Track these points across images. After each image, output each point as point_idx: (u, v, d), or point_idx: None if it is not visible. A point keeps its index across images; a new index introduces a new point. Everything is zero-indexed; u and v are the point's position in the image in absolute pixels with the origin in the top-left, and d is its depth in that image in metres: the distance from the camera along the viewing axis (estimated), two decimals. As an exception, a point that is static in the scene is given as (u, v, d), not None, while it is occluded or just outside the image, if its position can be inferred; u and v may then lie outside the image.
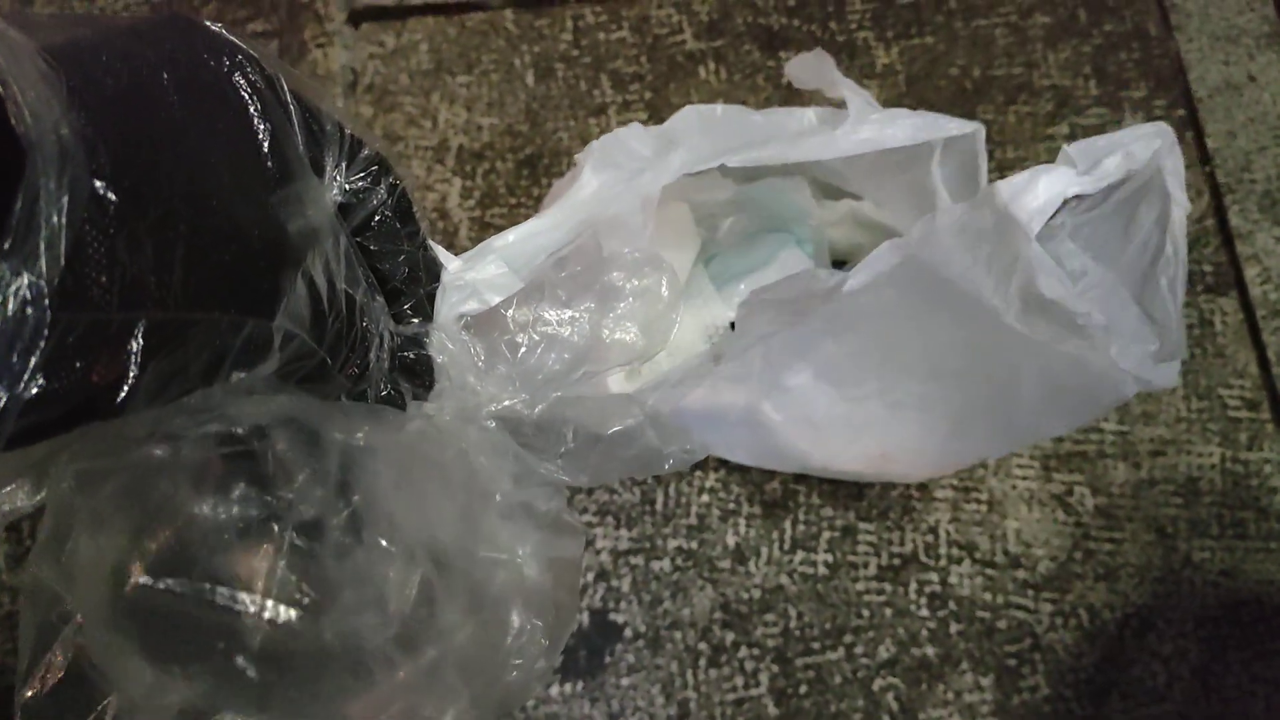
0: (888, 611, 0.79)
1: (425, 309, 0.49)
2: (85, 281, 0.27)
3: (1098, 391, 0.58)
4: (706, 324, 0.73)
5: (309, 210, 0.39)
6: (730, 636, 0.79)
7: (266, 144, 0.37)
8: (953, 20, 0.95)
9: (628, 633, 0.79)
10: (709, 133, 0.60)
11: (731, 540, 0.81)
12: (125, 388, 0.29)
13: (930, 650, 0.78)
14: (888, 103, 0.91)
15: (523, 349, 0.52)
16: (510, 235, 0.53)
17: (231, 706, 0.34)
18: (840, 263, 0.78)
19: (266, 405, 0.37)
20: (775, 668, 0.78)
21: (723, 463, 0.82)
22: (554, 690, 0.77)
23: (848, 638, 0.78)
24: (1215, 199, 0.90)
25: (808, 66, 0.60)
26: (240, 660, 0.34)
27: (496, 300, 0.51)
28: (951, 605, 0.79)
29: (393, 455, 0.41)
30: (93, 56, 0.31)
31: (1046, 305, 0.53)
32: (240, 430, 0.35)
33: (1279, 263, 0.87)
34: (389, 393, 0.47)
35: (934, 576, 0.79)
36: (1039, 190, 0.50)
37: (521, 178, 0.91)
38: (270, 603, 0.34)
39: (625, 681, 0.78)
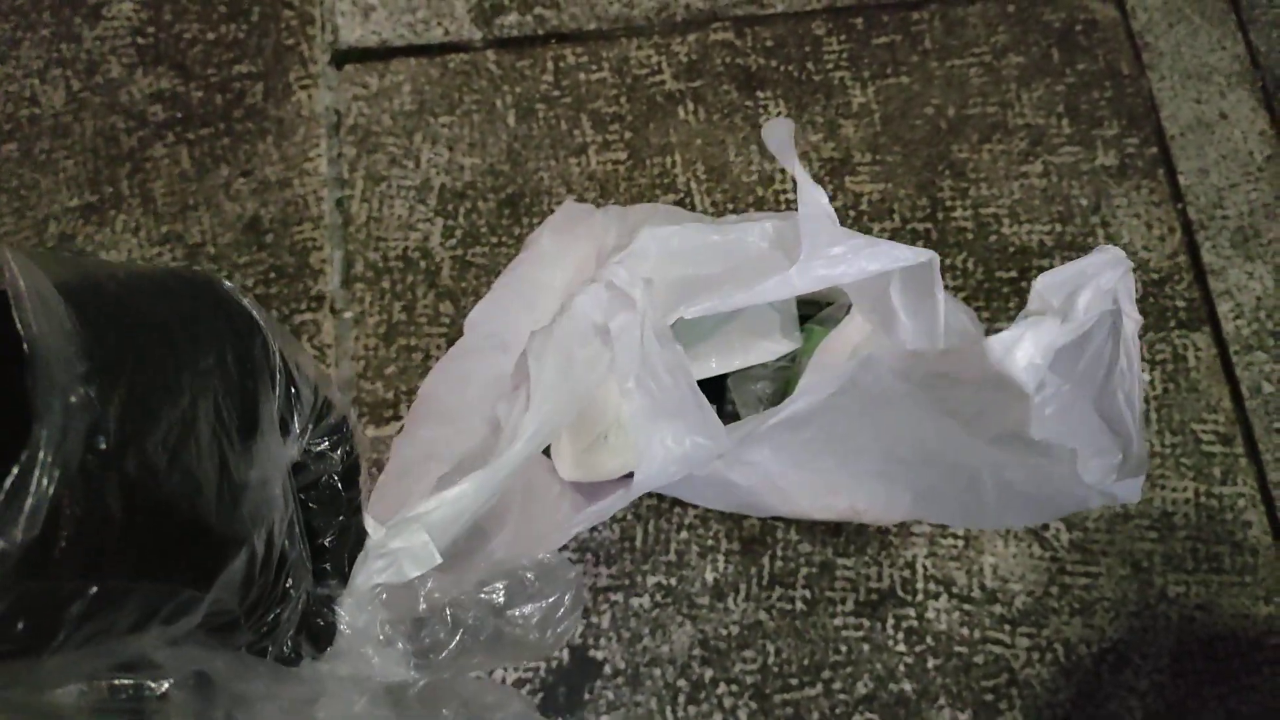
0: (865, 647, 0.79)
1: (344, 571, 0.49)
2: (51, 549, 0.28)
3: (1059, 500, 0.60)
4: None
5: (267, 471, 0.39)
6: (709, 673, 0.79)
7: (245, 403, 0.38)
8: (928, 60, 0.97)
9: (607, 669, 0.79)
10: (665, 265, 0.60)
11: (710, 577, 0.81)
12: (55, 642, 0.30)
13: (908, 686, 0.78)
14: (864, 141, 0.93)
15: (426, 629, 0.53)
16: (434, 502, 0.52)
17: None
18: (812, 305, 0.79)
19: (174, 653, 0.37)
20: (754, 704, 0.78)
21: (701, 499, 0.83)
22: (533, 728, 0.77)
23: (826, 674, 0.78)
24: (1187, 235, 0.91)
25: (774, 133, 0.60)
26: None
27: (414, 574, 0.51)
28: (929, 640, 0.79)
29: (275, 715, 0.41)
30: (115, 310, 0.32)
31: (1023, 439, 0.54)
32: (145, 677, 0.36)
33: (1251, 298, 0.89)
34: (287, 651, 0.47)
35: (911, 612, 0.80)
36: (1028, 347, 0.52)
37: (503, 217, 0.92)
38: None
39: (605, 719, 0.78)
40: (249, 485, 0.38)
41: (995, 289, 0.89)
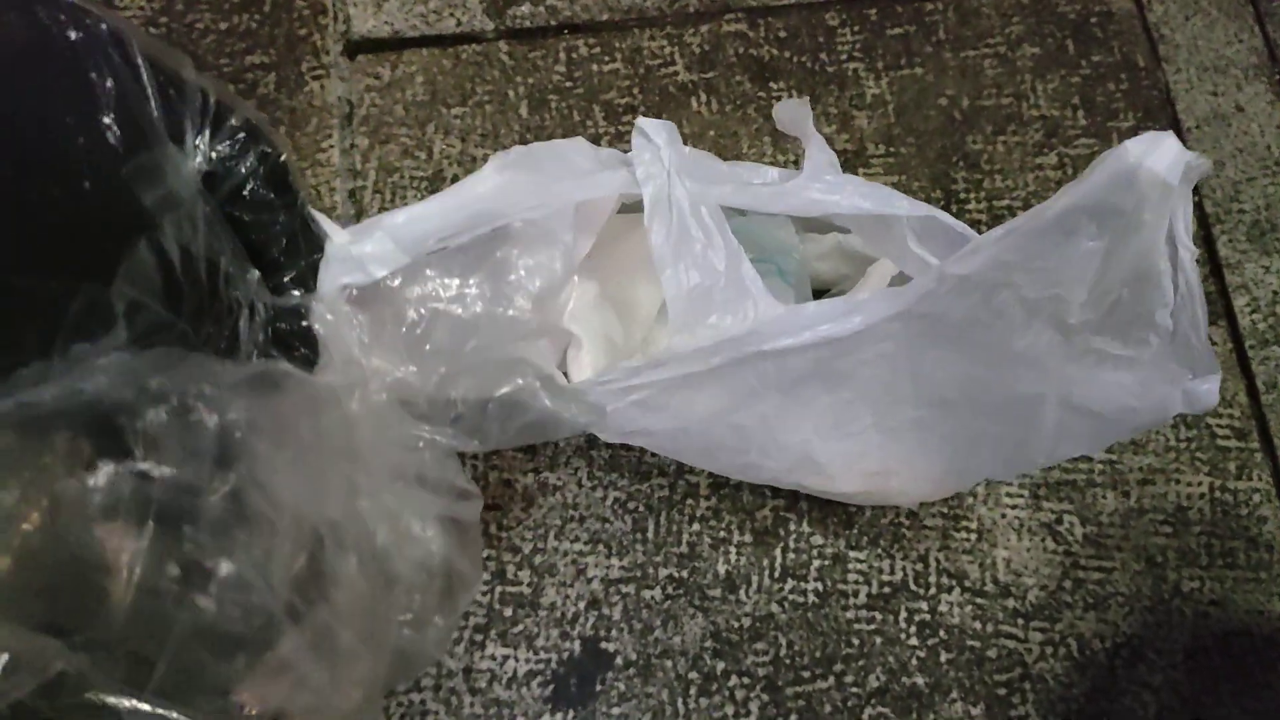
0: (878, 640, 0.79)
1: (307, 281, 0.48)
2: None
3: (1130, 415, 0.56)
4: None
5: (165, 179, 0.38)
6: (721, 665, 0.79)
7: (114, 111, 0.37)
8: (942, 51, 0.96)
9: (618, 661, 0.79)
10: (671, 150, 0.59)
11: (722, 568, 0.81)
12: None
13: (920, 679, 0.78)
14: (877, 133, 0.93)
15: (409, 322, 0.52)
16: (400, 215, 0.52)
17: (111, 681, 0.34)
18: (821, 292, 0.79)
19: (130, 379, 0.36)
20: (765, 696, 0.78)
21: (713, 490, 0.82)
22: (544, 719, 0.77)
23: (838, 666, 0.78)
24: (1204, 229, 0.90)
25: (789, 111, 0.60)
26: (112, 634, 0.33)
27: (382, 274, 0.50)
28: (941, 634, 0.79)
29: (271, 427, 0.41)
30: None
31: (1116, 320, 0.51)
32: (106, 405, 0.35)
33: (1267, 292, 0.88)
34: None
35: (924, 605, 0.80)
36: (1170, 145, 0.45)
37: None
38: (137, 579, 0.34)
39: (616, 710, 0.78)
40: (138, 186, 0.37)
41: (1009, 282, 0.88)
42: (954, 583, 0.80)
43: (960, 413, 0.62)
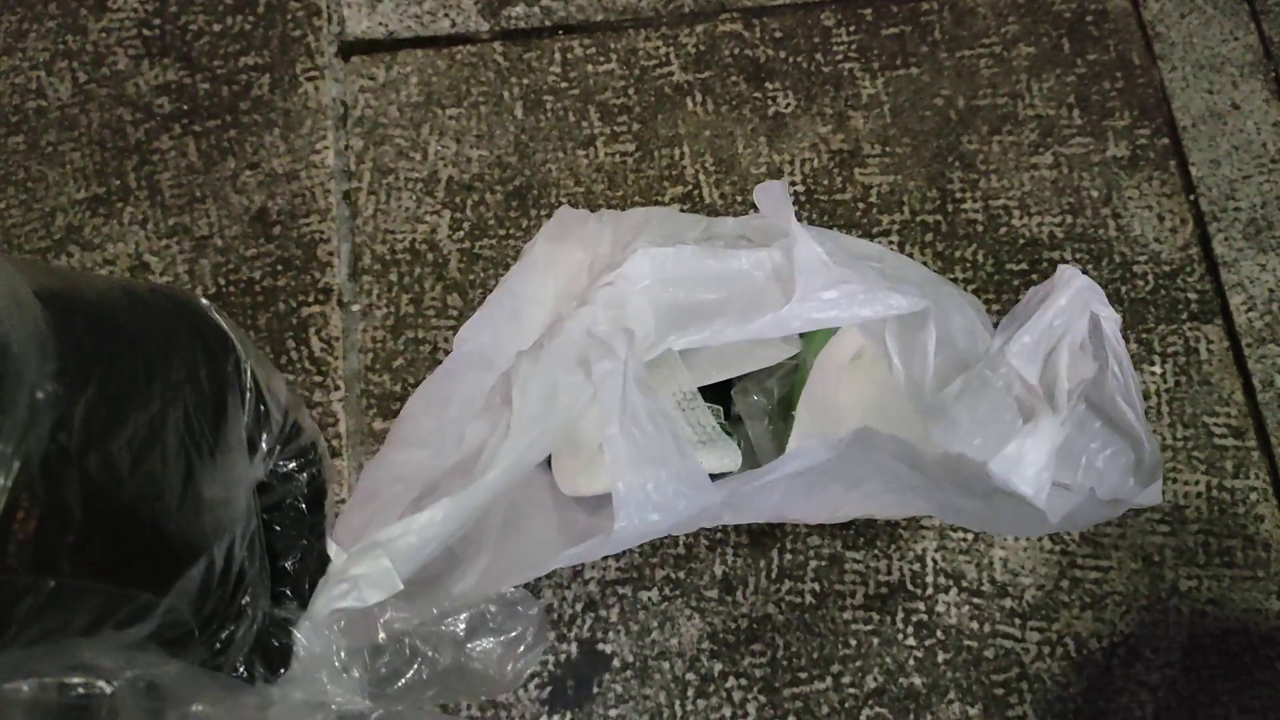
0: (875, 641, 0.79)
1: (304, 594, 0.49)
2: (7, 541, 0.28)
3: (1080, 518, 0.60)
4: (674, 390, 0.73)
5: (232, 487, 0.40)
6: (718, 666, 0.79)
7: (214, 419, 0.39)
8: (937, 51, 0.96)
9: (615, 663, 0.79)
10: (658, 288, 0.60)
11: (719, 570, 0.81)
12: (6, 636, 0.30)
13: (917, 680, 0.78)
14: (873, 133, 0.92)
15: (384, 658, 0.53)
16: (397, 529, 0.51)
17: None
18: None
19: (125, 659, 0.37)
20: (763, 698, 0.78)
21: (710, 492, 0.82)
22: (542, 721, 0.77)
23: (835, 667, 0.78)
24: (1199, 227, 0.90)
25: (768, 194, 0.60)
26: None
27: (376, 600, 0.50)
28: (939, 634, 0.79)
29: None
30: (91, 316, 0.33)
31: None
32: (95, 680, 0.36)
33: (1264, 290, 0.88)
34: (241, 671, 0.46)
35: (921, 605, 0.79)
36: (1031, 458, 0.54)
37: (510, 209, 0.92)
38: None
39: (613, 712, 0.78)
40: (213, 498, 0.38)
41: (1006, 281, 0.88)
42: (951, 583, 0.80)
43: (928, 491, 0.63)
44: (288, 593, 0.48)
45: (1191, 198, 0.91)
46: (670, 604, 0.80)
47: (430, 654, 0.54)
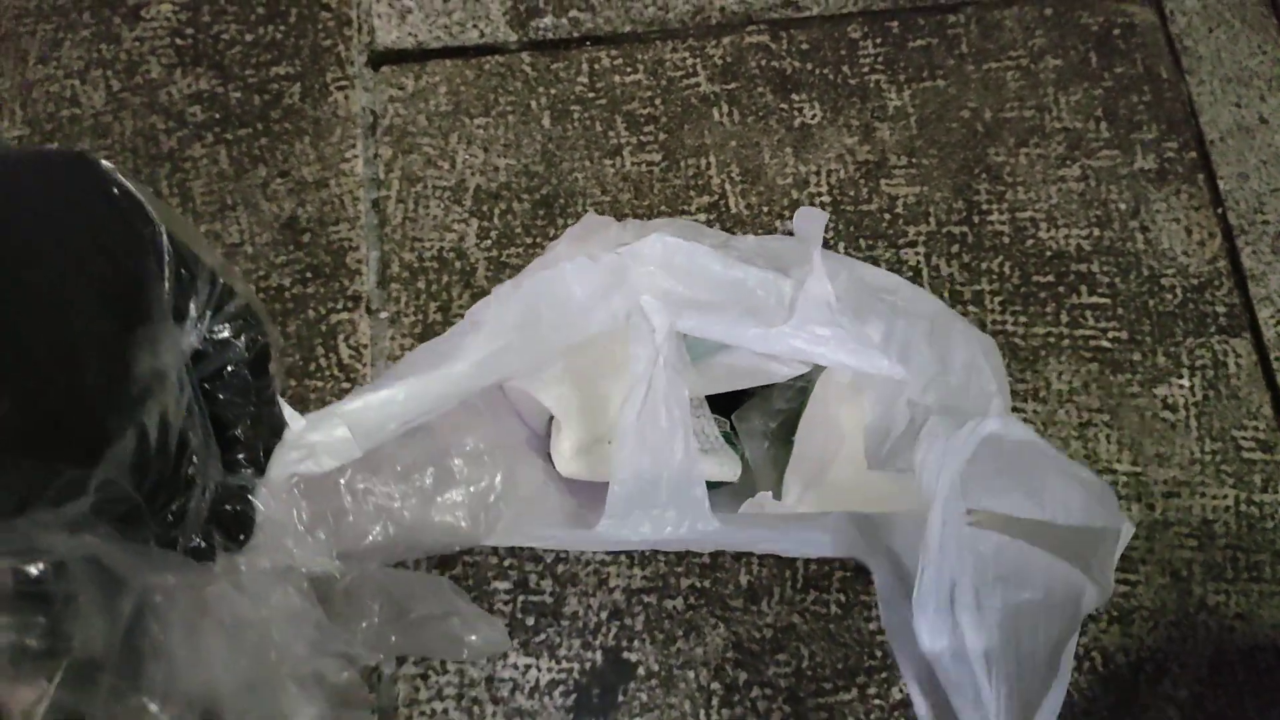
0: (900, 653, 0.79)
1: (259, 462, 0.48)
2: None
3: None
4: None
5: (161, 355, 0.39)
6: (743, 676, 0.79)
7: (130, 286, 0.37)
8: (964, 63, 0.97)
9: (641, 671, 0.79)
10: (661, 275, 0.60)
11: (744, 579, 0.81)
12: None
13: (943, 692, 0.77)
14: (899, 144, 0.93)
15: (348, 518, 0.52)
16: (360, 401, 0.52)
17: None
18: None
19: (70, 541, 0.36)
20: (788, 708, 0.78)
21: (735, 502, 0.82)
22: (566, 729, 0.77)
23: (860, 678, 0.78)
24: (1228, 241, 0.90)
25: (807, 220, 0.60)
26: None
27: (332, 465, 0.50)
28: (964, 647, 0.78)
29: (188, 609, 0.41)
30: None
31: None
32: (39, 561, 0.35)
33: (1292, 304, 0.88)
34: (200, 543, 0.46)
35: (947, 618, 0.79)
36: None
37: (538, 218, 0.92)
38: None
39: (637, 721, 0.78)
40: (139, 369, 0.37)
41: (1032, 294, 0.88)
42: (977, 595, 0.80)
43: None
44: (242, 460, 0.47)
45: (1219, 211, 0.91)
46: (695, 613, 0.80)
47: (396, 510, 0.53)
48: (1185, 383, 0.85)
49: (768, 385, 0.77)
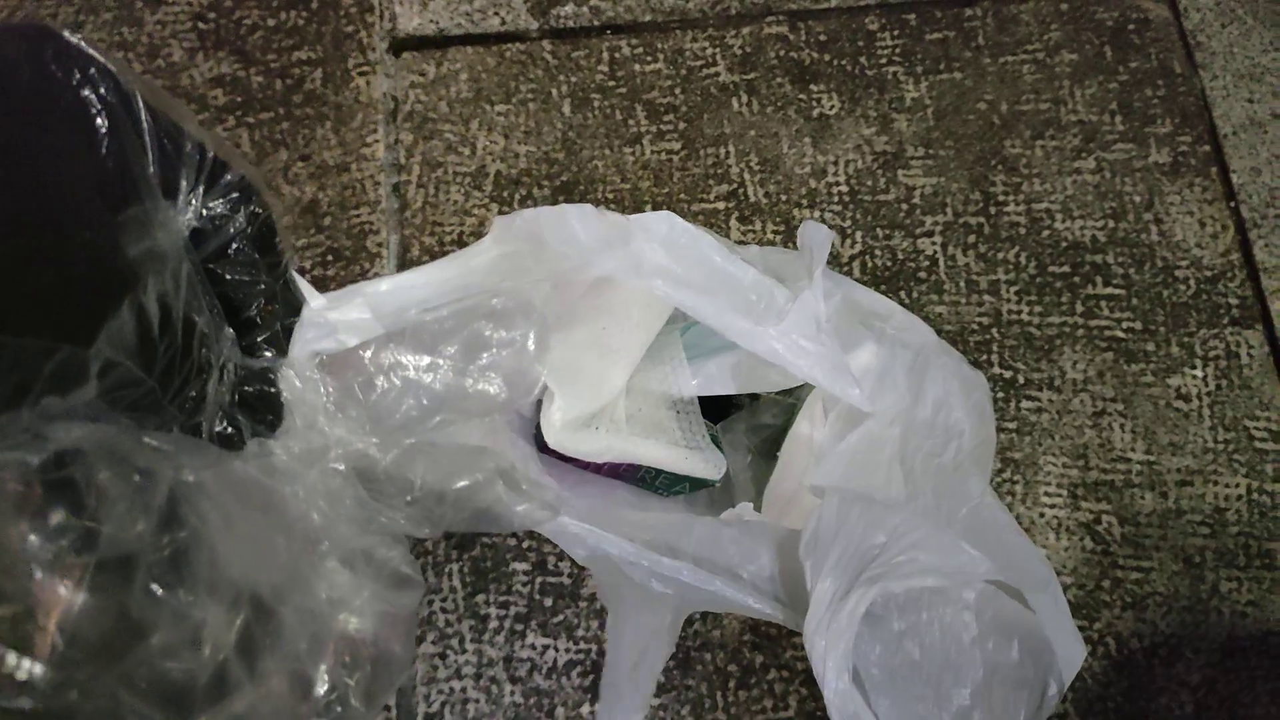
0: (916, 636, 0.79)
1: (280, 343, 0.47)
2: None
3: None
4: (671, 391, 0.73)
5: (153, 233, 0.38)
6: (760, 659, 0.79)
7: (111, 163, 0.36)
8: (981, 56, 0.97)
9: (658, 653, 0.79)
10: (666, 252, 0.60)
11: (761, 563, 0.81)
12: None
13: (959, 675, 0.78)
14: (916, 136, 0.93)
15: (378, 392, 0.51)
16: (383, 284, 0.51)
17: None
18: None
19: (90, 432, 0.35)
20: (804, 690, 0.78)
21: (753, 486, 0.83)
22: (584, 709, 0.78)
23: (876, 661, 0.79)
24: (1240, 234, 0.91)
25: (812, 234, 0.60)
26: (20, 691, 0.31)
27: (355, 342, 0.49)
28: (980, 631, 0.79)
29: (223, 494, 0.40)
30: None
31: None
32: (57, 459, 0.34)
33: (1304, 297, 0.89)
34: (227, 428, 0.45)
35: (962, 602, 0.80)
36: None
37: (557, 204, 0.93)
38: (69, 633, 0.32)
39: (655, 701, 0.78)
40: (126, 244, 0.36)
41: (1048, 284, 0.89)
42: (992, 580, 0.80)
43: None
44: (260, 341, 0.46)
45: (1232, 204, 0.92)
46: (713, 595, 0.81)
47: (428, 382, 0.51)
48: (1198, 373, 0.86)
49: (755, 400, 0.78)
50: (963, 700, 0.53)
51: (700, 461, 0.70)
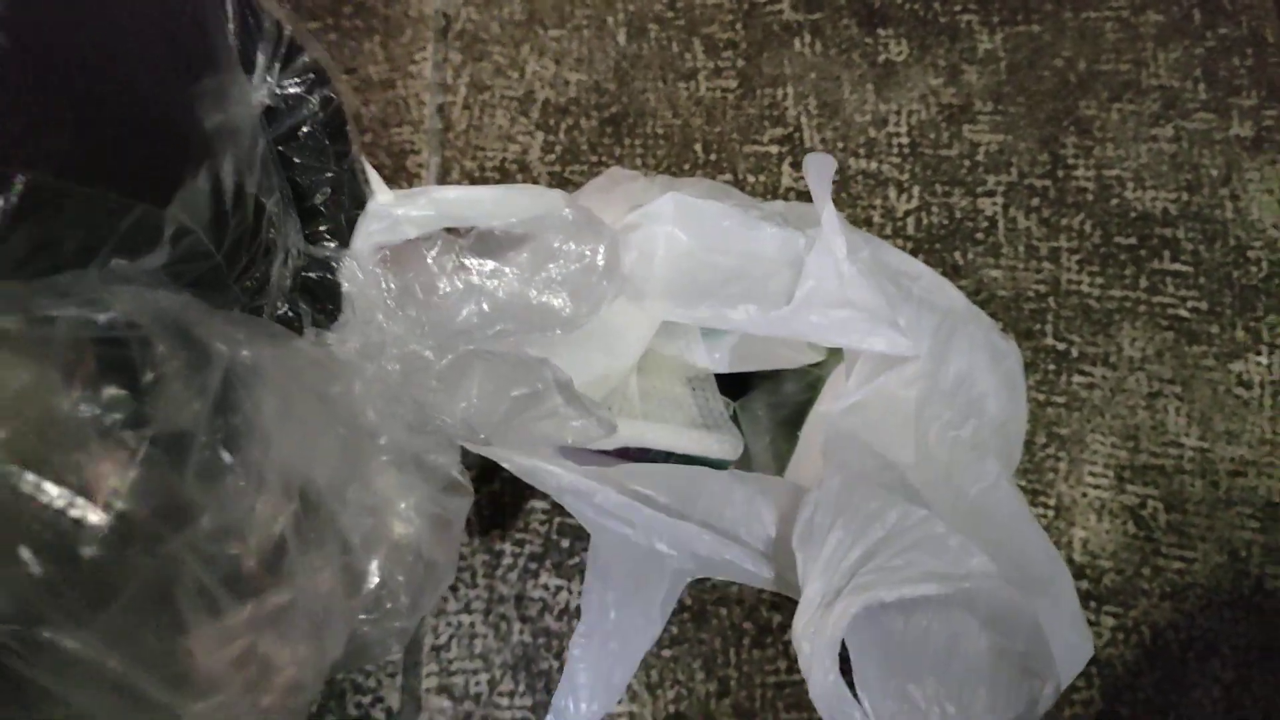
0: (942, 608, 0.77)
1: (343, 234, 0.46)
2: None
3: None
4: (687, 367, 0.71)
5: (230, 106, 0.37)
6: (777, 618, 0.77)
7: (194, 27, 0.35)
8: (1062, 10, 0.92)
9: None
10: (674, 239, 0.58)
11: (787, 521, 0.79)
12: None
13: (982, 652, 0.76)
14: (986, 89, 0.89)
15: (439, 294, 0.50)
16: (452, 192, 0.50)
17: (51, 620, 0.30)
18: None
19: (150, 302, 0.33)
20: (821, 654, 0.76)
21: (785, 441, 0.80)
22: (594, 654, 0.76)
23: (898, 631, 0.76)
24: (1322, 217, 0.86)
25: (817, 165, 0.57)
26: (67, 569, 0.30)
27: (415, 234, 0.49)
28: (1008, 608, 0.76)
29: (280, 380, 0.39)
30: None
31: None
32: (119, 324, 0.32)
33: (1384, 289, 0.84)
34: (287, 312, 0.45)
35: (993, 577, 0.77)
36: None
37: (604, 135, 0.89)
38: (112, 513, 0.31)
39: (667, 653, 0.76)
40: (204, 113, 0.35)
41: (1112, 254, 0.85)
42: (1026, 557, 0.77)
43: None
44: (324, 231, 0.46)
45: (1315, 186, 0.87)
46: (735, 550, 0.78)
47: (490, 288, 0.50)
48: (1263, 360, 0.82)
49: (775, 375, 0.75)
50: (957, 697, 0.51)
51: (716, 441, 0.67)
